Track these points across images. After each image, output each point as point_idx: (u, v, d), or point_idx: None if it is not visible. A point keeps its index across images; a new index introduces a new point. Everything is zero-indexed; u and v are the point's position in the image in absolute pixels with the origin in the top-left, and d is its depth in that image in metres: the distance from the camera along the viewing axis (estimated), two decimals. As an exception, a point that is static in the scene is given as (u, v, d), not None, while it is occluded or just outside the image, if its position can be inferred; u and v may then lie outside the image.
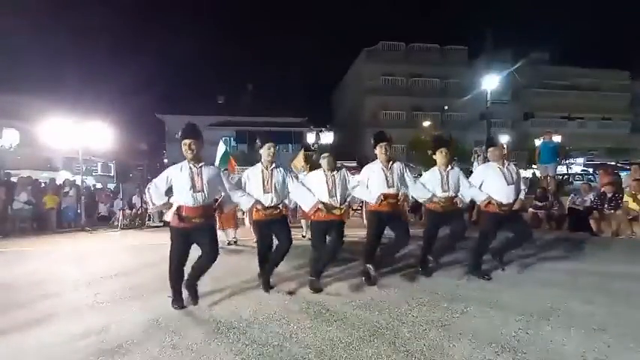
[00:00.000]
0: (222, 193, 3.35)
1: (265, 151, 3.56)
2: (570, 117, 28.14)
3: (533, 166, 13.71)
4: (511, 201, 3.84)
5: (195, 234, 3.09)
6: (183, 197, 3.05)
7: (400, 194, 3.74)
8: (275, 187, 3.50)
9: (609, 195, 7.11)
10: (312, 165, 6.43)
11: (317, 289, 3.50)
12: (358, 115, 26.70)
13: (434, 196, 3.91)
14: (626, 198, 6.89)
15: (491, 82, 14.60)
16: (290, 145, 24.18)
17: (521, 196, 4.00)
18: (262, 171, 3.53)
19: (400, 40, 26.29)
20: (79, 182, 11.09)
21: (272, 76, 46.19)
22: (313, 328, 2.69)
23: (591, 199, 7.41)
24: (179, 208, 3.04)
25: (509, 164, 3.99)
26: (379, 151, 3.78)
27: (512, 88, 25.85)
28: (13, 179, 10.58)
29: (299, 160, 7.09)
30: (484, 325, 2.69)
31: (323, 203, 3.55)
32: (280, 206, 3.53)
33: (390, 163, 3.78)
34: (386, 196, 3.67)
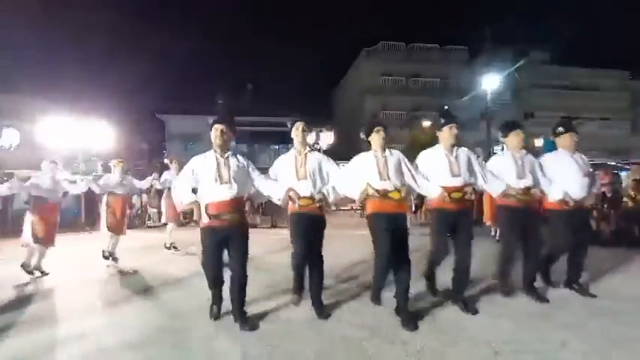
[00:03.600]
0: (253, 185, 2.96)
1: (294, 132, 3.13)
2: (570, 117, 28.07)
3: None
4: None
5: (227, 236, 2.71)
6: (209, 191, 2.71)
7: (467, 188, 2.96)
8: (311, 173, 2.99)
9: (608, 195, 7.12)
10: None
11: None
12: (358, 115, 26.69)
13: (509, 187, 3.19)
14: (625, 198, 6.90)
15: (491, 82, 14.61)
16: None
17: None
18: (295, 156, 3.10)
19: (400, 40, 26.26)
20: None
21: (272, 76, 46.09)
22: (313, 328, 2.70)
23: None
24: (207, 206, 2.70)
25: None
26: (447, 133, 3.04)
27: (512, 88, 25.83)
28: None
29: None
30: (484, 325, 2.70)
31: (377, 190, 2.84)
32: (318, 197, 2.95)
33: (455, 148, 3.08)
34: (448, 190, 2.93)
